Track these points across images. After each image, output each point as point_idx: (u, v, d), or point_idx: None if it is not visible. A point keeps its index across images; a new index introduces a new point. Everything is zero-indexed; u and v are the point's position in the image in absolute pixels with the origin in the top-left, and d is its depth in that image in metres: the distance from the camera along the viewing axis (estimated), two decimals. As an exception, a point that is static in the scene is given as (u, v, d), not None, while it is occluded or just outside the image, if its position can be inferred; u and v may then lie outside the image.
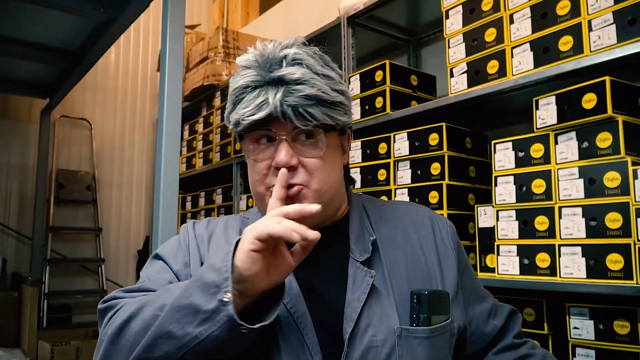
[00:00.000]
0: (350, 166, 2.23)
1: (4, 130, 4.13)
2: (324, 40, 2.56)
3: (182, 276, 0.91)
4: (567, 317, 1.56)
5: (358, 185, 2.20)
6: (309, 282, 0.87)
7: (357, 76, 2.33)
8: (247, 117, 0.82)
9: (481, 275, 1.78)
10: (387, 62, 2.19)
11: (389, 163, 2.10)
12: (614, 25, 1.45)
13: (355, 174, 2.23)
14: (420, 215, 1.01)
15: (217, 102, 3.54)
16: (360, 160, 2.22)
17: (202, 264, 0.91)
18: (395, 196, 2.05)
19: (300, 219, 0.73)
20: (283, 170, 0.81)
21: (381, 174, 2.13)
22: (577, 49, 1.54)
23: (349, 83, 2.35)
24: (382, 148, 2.14)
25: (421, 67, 2.70)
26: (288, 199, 0.83)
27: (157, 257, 0.96)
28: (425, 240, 0.97)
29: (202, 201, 3.66)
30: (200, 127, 3.77)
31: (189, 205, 3.86)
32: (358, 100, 2.31)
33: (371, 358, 0.81)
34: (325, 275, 0.89)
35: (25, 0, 2.46)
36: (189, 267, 0.92)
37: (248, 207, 3.02)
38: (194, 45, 3.96)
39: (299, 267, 0.78)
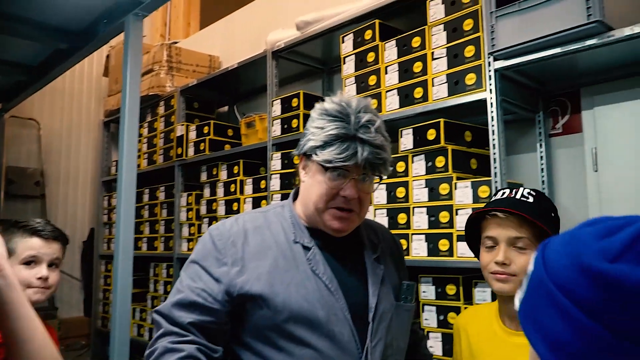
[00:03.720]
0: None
1: (-44, 130, 4.42)
2: (254, 66, 3.13)
3: (232, 275, 1.15)
4: (419, 284, 2.22)
5: (277, 188, 2.80)
6: (337, 269, 1.23)
7: (279, 101, 2.91)
8: (341, 161, 1.13)
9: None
10: (301, 92, 2.79)
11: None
12: (446, 84, 2.12)
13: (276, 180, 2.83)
14: (385, 231, 1.49)
15: (161, 110, 4.02)
16: (279, 168, 2.82)
17: (241, 259, 1.17)
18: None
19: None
20: None
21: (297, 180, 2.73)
22: (425, 97, 2.20)
23: (272, 106, 2.94)
24: (296, 159, 2.73)
25: (332, 90, 3.32)
26: (342, 219, 1.20)
27: (193, 262, 1.21)
28: (392, 248, 1.41)
29: (146, 197, 4.12)
30: (145, 131, 4.21)
31: (134, 200, 4.30)
32: (279, 120, 2.90)
33: (383, 319, 1.23)
34: (349, 266, 1.26)
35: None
36: (227, 265, 1.17)
37: (188, 204, 3.53)
38: (139, 56, 4.39)
39: (330, 259, 1.21)
